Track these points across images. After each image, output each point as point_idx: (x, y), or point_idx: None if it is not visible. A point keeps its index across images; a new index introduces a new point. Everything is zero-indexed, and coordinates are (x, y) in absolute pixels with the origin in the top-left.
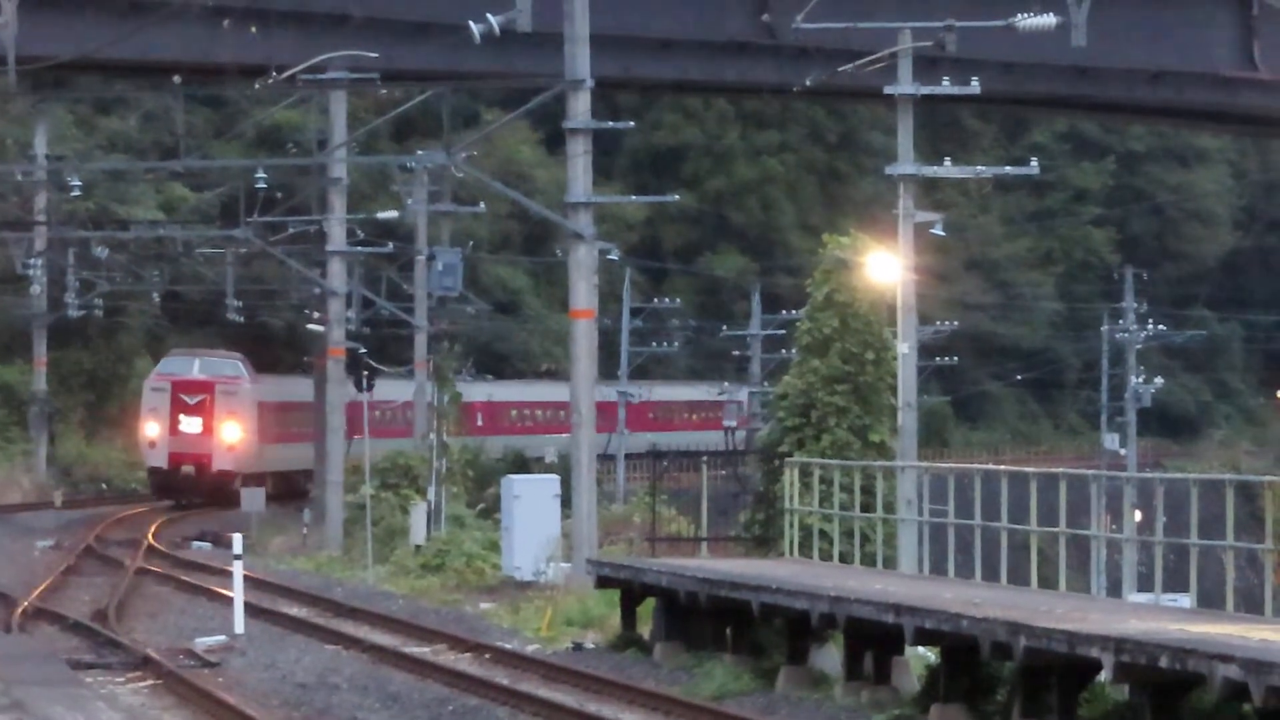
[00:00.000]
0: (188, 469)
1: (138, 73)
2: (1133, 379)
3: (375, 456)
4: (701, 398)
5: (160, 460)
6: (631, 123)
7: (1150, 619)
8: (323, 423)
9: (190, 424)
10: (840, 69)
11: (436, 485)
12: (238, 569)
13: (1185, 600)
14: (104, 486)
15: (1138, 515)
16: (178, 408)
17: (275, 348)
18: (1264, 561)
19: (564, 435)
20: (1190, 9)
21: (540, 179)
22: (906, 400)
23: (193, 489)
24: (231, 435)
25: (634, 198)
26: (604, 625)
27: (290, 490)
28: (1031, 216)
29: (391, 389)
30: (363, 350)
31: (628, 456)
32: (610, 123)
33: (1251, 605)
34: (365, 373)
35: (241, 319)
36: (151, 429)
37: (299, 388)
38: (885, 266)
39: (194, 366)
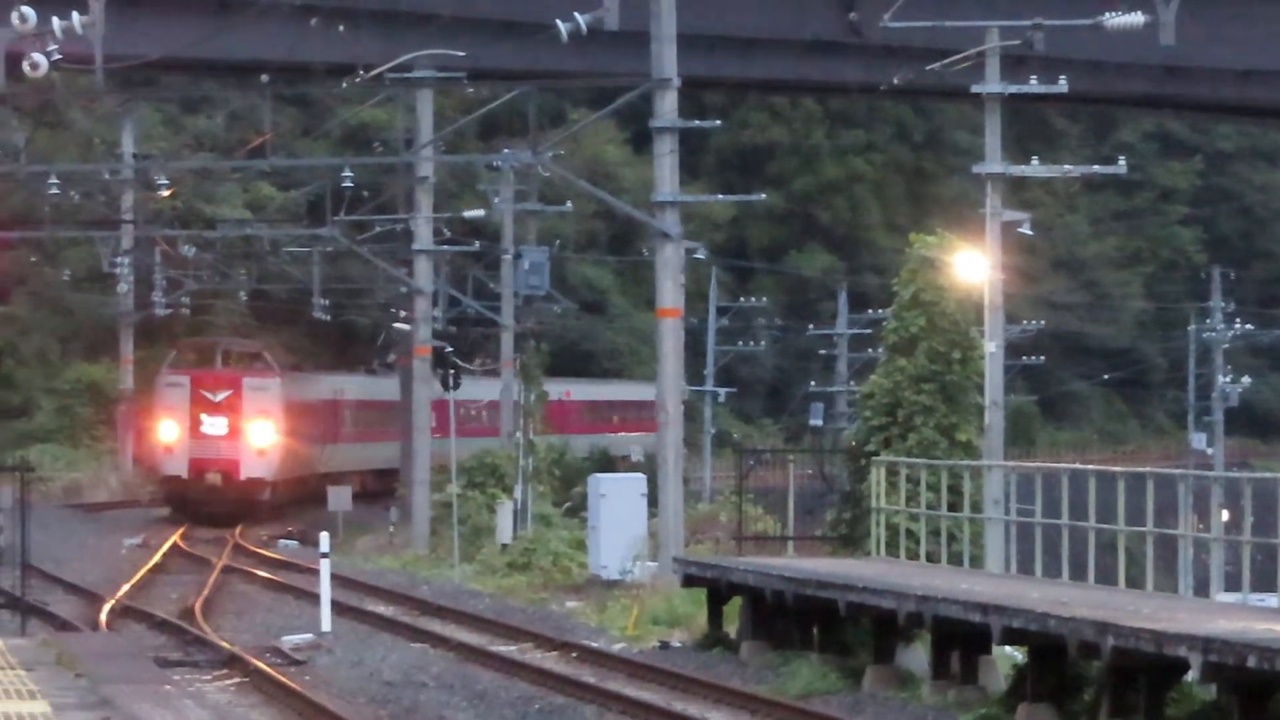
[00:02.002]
0: (213, 477)
1: (225, 72)
2: (1220, 378)
3: (460, 456)
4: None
5: (178, 468)
6: (718, 121)
7: (1238, 618)
8: (409, 421)
9: (214, 425)
10: (927, 68)
11: (523, 484)
12: (324, 567)
13: (1273, 600)
14: None
15: (1225, 515)
16: (199, 406)
17: (360, 346)
18: None
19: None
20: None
21: (627, 178)
22: (993, 399)
23: (217, 501)
24: (262, 437)
25: (720, 197)
26: (690, 624)
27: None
28: (1119, 216)
29: (474, 388)
30: (449, 349)
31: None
32: (697, 121)
33: None
34: (451, 371)
35: (328, 318)
36: (168, 431)
37: (324, 385)
38: (972, 266)
39: (215, 358)
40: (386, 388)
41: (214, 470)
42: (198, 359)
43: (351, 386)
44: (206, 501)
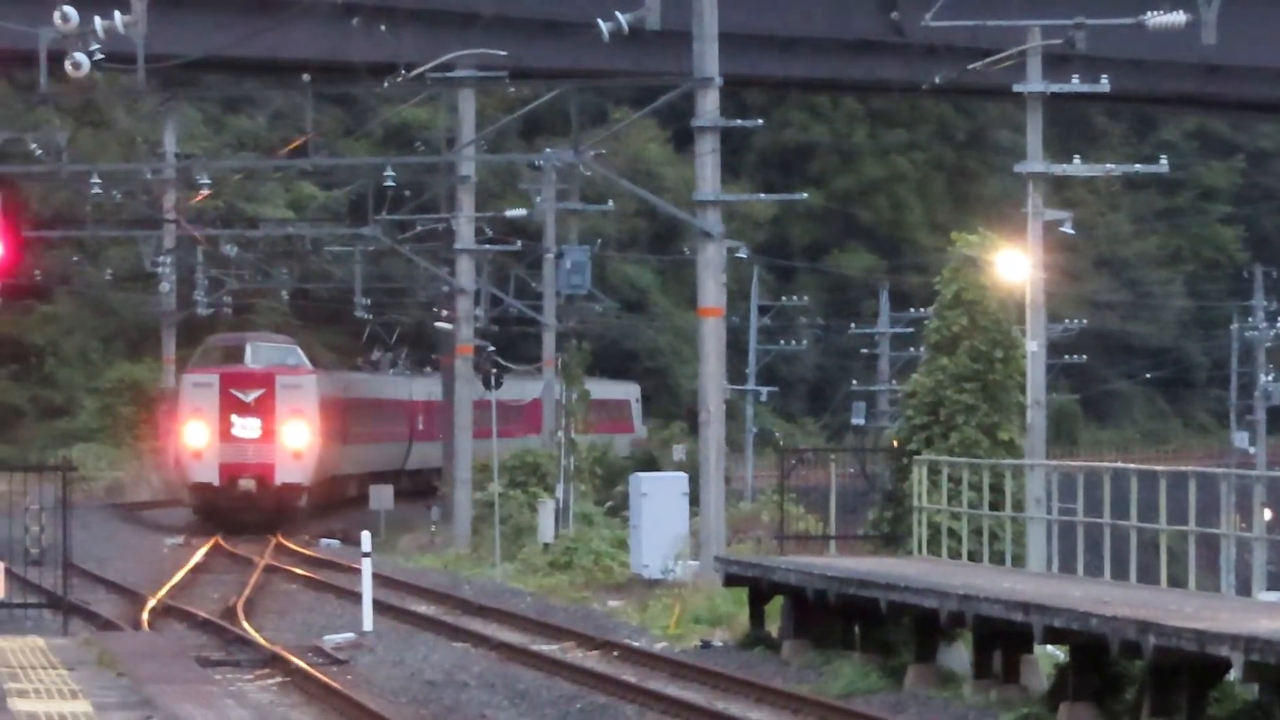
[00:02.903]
0: (246, 484)
1: (267, 71)
2: (1262, 377)
3: (501, 455)
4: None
5: (208, 474)
6: (760, 121)
7: None
8: (451, 420)
9: (246, 427)
10: (969, 67)
11: (565, 483)
12: (366, 566)
13: None
14: None
15: (1268, 513)
16: (229, 407)
17: (403, 345)
18: None
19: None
20: None
21: (668, 177)
22: (1035, 398)
23: (251, 509)
24: (298, 439)
25: (762, 196)
26: (732, 623)
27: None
28: (1160, 214)
29: (514, 388)
30: (491, 348)
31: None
32: (739, 121)
33: None
34: (493, 371)
35: (369, 317)
36: (196, 435)
37: (359, 383)
38: (1014, 264)
39: (245, 354)
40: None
41: (247, 476)
42: (225, 356)
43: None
44: (240, 510)
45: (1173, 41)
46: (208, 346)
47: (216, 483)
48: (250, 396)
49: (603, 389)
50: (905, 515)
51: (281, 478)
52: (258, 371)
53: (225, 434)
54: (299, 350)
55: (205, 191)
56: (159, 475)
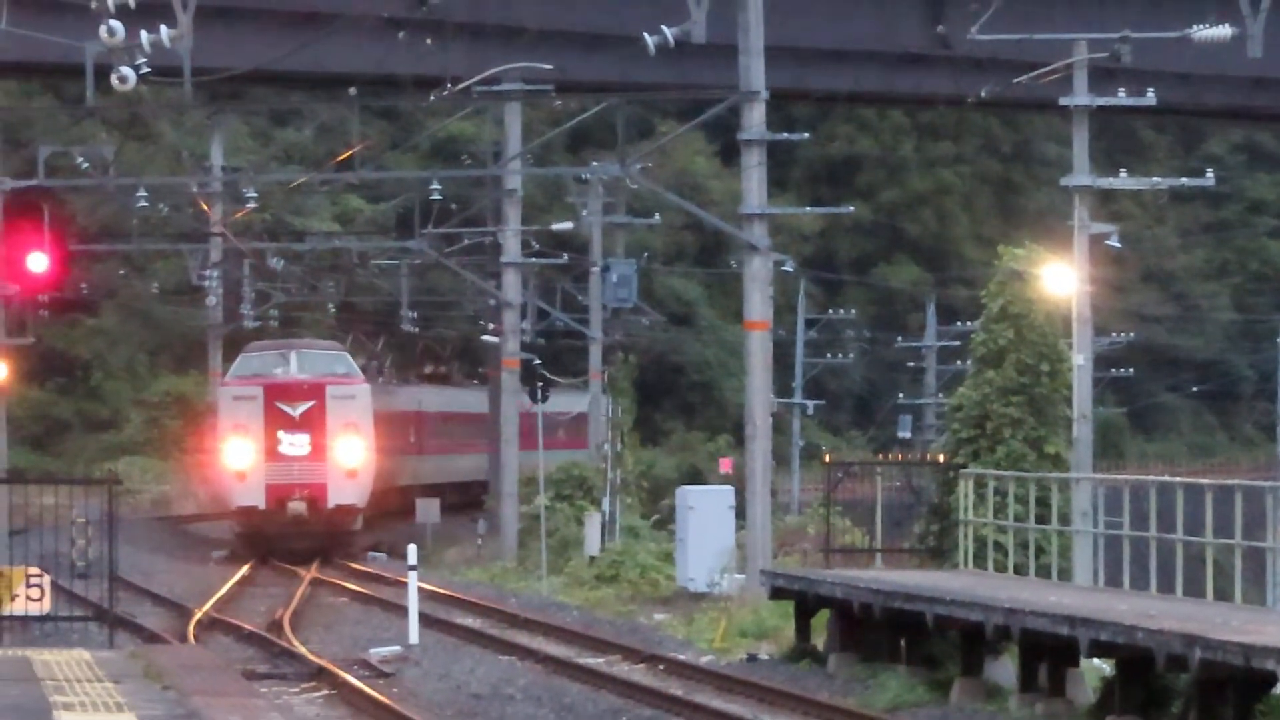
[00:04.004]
0: (296, 507)
1: (313, 84)
2: None
3: (547, 468)
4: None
5: (253, 497)
6: (806, 134)
7: None
8: (497, 434)
9: (294, 444)
10: (1015, 80)
11: (611, 496)
12: (412, 580)
13: None
14: None
15: None
16: (275, 422)
17: (449, 359)
18: None
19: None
20: None
21: (715, 190)
22: (1082, 412)
23: (302, 534)
24: (351, 456)
25: (809, 209)
26: (778, 636)
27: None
28: (1207, 228)
29: (560, 401)
30: (537, 361)
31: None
32: (785, 134)
33: None
34: (540, 384)
35: (416, 330)
36: (239, 454)
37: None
38: (1061, 278)
39: (291, 363)
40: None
41: (297, 498)
42: (267, 365)
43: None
44: (289, 535)
45: (1219, 54)
46: (247, 355)
47: (263, 506)
48: (298, 410)
49: (562, 400)
50: (951, 529)
51: (334, 499)
52: (305, 381)
53: (271, 452)
54: (348, 356)
55: (253, 205)
56: (204, 489)
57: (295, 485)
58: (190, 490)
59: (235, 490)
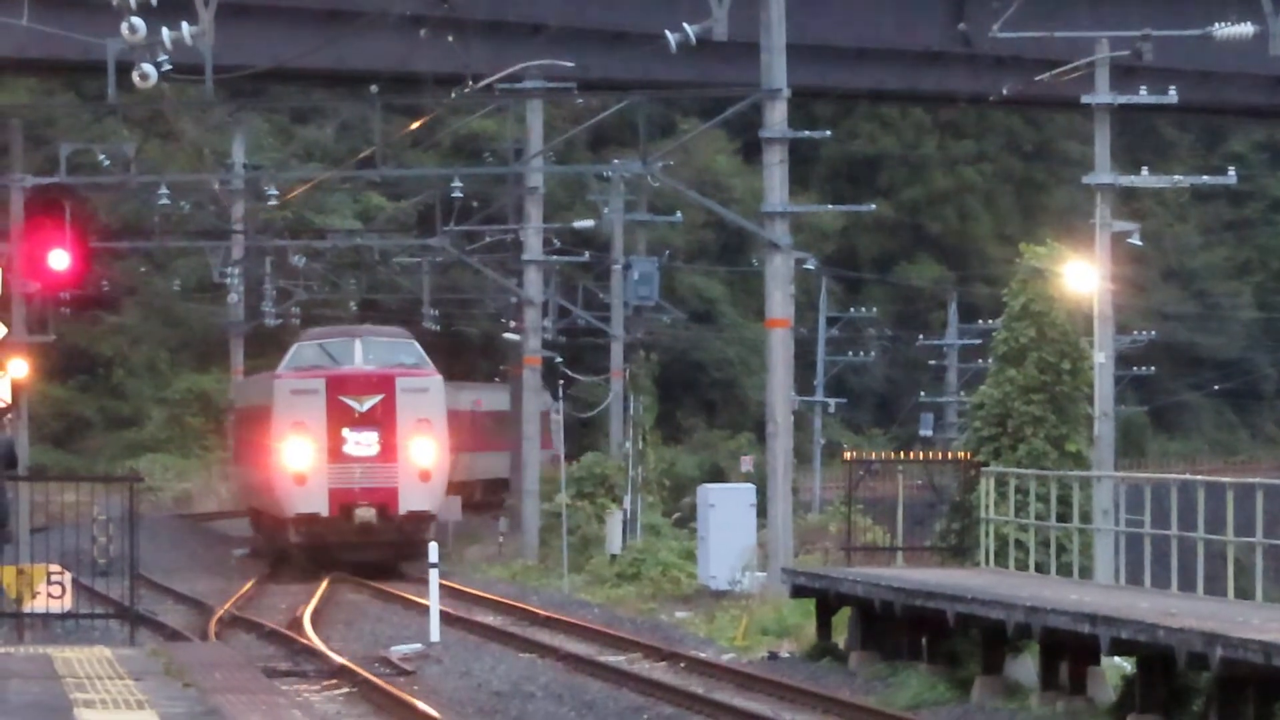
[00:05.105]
0: (364, 514)
1: (335, 82)
2: None
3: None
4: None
5: (315, 503)
6: (828, 132)
7: None
8: (519, 432)
9: (362, 443)
10: (1037, 78)
11: (632, 494)
12: (433, 577)
13: None
14: None
15: None
16: (339, 418)
17: (471, 356)
18: None
19: None
20: None
21: (737, 188)
22: (1103, 410)
23: (370, 544)
24: (425, 456)
25: (830, 207)
26: (799, 634)
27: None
28: (1229, 226)
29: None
30: (559, 359)
31: None
32: (807, 132)
33: None
34: (560, 381)
35: (437, 328)
36: (299, 455)
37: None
38: (1082, 276)
39: (355, 352)
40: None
41: (365, 504)
42: (328, 355)
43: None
44: (355, 546)
45: (1240, 52)
46: (304, 343)
47: (325, 513)
48: (365, 404)
49: (475, 394)
50: (972, 527)
51: (406, 505)
52: (373, 373)
53: (335, 452)
54: (417, 345)
55: (275, 202)
56: (227, 486)
57: (363, 490)
58: (212, 487)
59: (293, 495)
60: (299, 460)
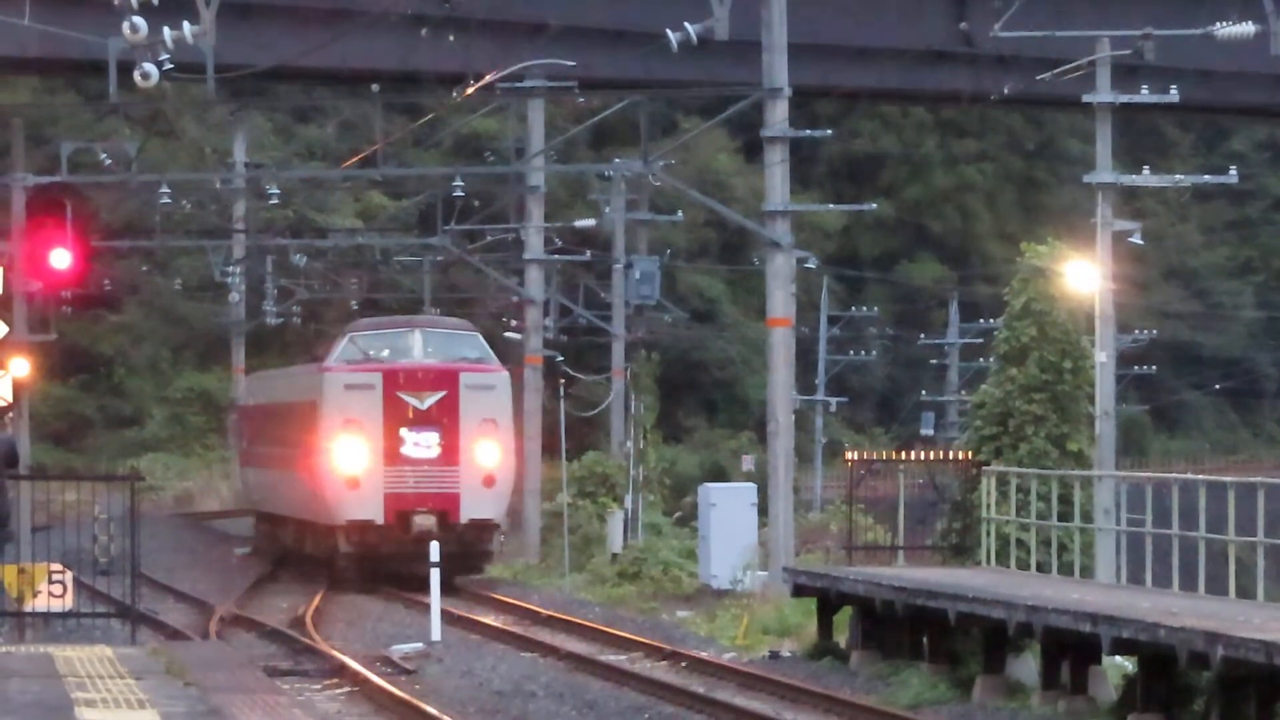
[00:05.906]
0: (423, 522)
1: (336, 81)
2: None
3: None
4: None
5: (369, 510)
6: (829, 131)
7: None
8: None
9: (421, 444)
10: (1038, 77)
11: (633, 493)
12: (434, 576)
13: None
14: None
15: None
16: (396, 417)
17: None
18: None
19: None
20: None
21: (738, 187)
22: (1104, 409)
23: (429, 555)
24: (490, 459)
25: (831, 206)
26: (800, 633)
27: None
28: (1230, 225)
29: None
30: (560, 358)
31: None
32: (808, 131)
33: None
34: (561, 380)
35: None
36: (352, 456)
37: None
38: (1084, 275)
39: (415, 344)
40: None
41: (425, 511)
42: (383, 347)
43: None
44: (413, 556)
45: (1242, 52)
46: (357, 335)
47: (380, 521)
48: (426, 402)
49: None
50: (973, 526)
51: (469, 513)
52: (435, 368)
53: (392, 454)
54: (480, 338)
55: (276, 201)
56: (228, 484)
57: (421, 495)
58: (214, 486)
59: (345, 501)
60: (351, 462)
